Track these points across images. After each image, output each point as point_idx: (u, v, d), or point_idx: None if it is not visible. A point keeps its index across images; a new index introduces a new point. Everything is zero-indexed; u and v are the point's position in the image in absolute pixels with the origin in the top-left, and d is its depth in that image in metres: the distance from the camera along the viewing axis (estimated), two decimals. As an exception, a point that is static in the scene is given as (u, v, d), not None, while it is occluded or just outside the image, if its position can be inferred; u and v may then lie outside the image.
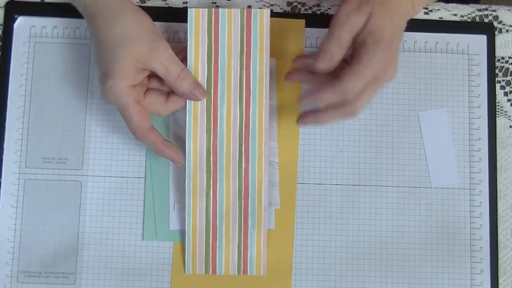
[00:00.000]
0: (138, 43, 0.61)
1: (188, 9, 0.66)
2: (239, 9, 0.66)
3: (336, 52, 0.61)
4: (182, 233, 0.68)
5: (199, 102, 0.66)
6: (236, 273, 0.67)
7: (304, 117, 0.64)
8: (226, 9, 0.66)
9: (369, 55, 0.59)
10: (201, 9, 0.66)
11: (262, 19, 0.66)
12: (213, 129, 0.67)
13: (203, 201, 0.67)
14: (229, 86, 0.67)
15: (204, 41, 0.66)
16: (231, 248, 0.66)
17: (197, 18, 0.66)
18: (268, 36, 0.67)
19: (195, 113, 0.67)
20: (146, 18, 0.63)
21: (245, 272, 0.66)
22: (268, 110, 0.67)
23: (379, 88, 0.62)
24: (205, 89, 0.66)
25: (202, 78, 0.66)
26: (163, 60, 0.62)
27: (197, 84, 0.65)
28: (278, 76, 0.70)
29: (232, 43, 0.66)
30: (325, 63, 0.61)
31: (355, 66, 0.60)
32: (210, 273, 0.67)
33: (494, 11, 0.73)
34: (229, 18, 0.66)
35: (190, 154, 0.67)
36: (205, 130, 0.67)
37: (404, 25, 0.63)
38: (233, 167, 0.67)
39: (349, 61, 0.62)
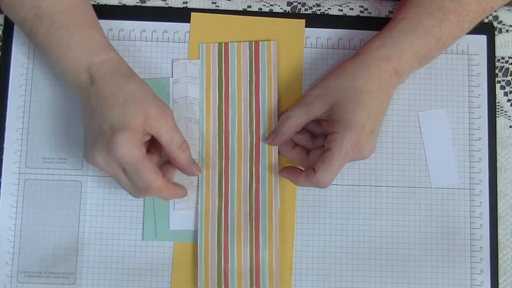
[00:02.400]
0: (150, 104, 0.61)
1: (200, 44, 0.70)
2: (248, 42, 0.70)
3: (282, 130, 0.65)
4: (182, 233, 0.68)
5: (211, 127, 0.69)
6: None
7: (282, 171, 0.67)
8: (236, 43, 0.70)
9: (337, 144, 0.61)
10: (211, 43, 0.70)
11: (269, 49, 0.70)
12: (225, 154, 0.68)
13: (214, 224, 0.67)
14: (239, 113, 0.69)
15: (215, 72, 0.70)
16: (243, 266, 0.67)
17: (208, 51, 0.70)
18: (275, 65, 0.70)
19: (207, 139, 0.68)
20: (149, 87, 0.63)
21: (257, 287, 0.67)
22: None
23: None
24: (217, 116, 0.69)
25: (213, 106, 0.69)
26: (169, 126, 0.62)
27: (193, 160, 0.65)
28: (277, 76, 0.70)
29: (241, 74, 0.70)
30: (271, 139, 0.66)
31: (326, 156, 0.62)
32: None
33: (494, 11, 0.73)
34: (238, 51, 0.70)
35: (203, 178, 0.68)
36: (217, 154, 0.68)
37: (389, 97, 0.64)
38: (244, 189, 0.68)
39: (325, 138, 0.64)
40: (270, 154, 0.68)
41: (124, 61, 0.64)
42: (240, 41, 0.70)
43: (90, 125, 0.61)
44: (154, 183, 0.60)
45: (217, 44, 0.70)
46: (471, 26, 0.66)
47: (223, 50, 0.70)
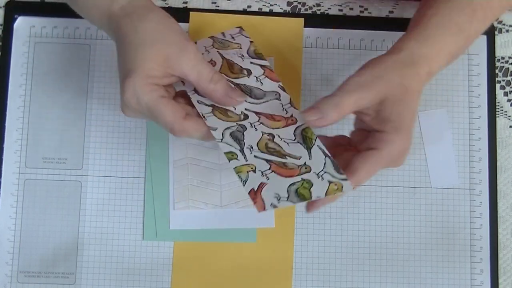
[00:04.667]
0: (166, 44, 0.57)
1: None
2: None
3: (329, 114, 0.56)
4: (182, 233, 0.68)
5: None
6: None
7: (311, 206, 0.59)
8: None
9: (388, 144, 0.56)
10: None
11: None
12: None
13: None
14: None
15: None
16: None
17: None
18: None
19: None
20: (172, 21, 0.59)
21: None
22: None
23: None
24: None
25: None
26: (193, 62, 0.57)
27: (232, 87, 0.60)
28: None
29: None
30: (314, 119, 0.57)
31: (372, 156, 0.57)
32: None
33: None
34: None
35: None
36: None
37: (417, 107, 0.59)
38: None
39: (358, 144, 0.59)
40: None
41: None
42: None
43: (118, 69, 0.59)
44: (174, 126, 0.57)
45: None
46: (489, 25, 0.63)
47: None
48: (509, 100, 0.72)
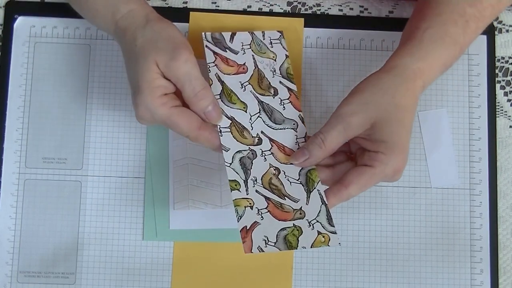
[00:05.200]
0: (158, 52, 0.58)
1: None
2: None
3: (315, 153, 0.59)
4: (182, 232, 0.68)
5: None
6: None
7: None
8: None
9: (382, 164, 0.57)
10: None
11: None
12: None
13: None
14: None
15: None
16: None
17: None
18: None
19: None
20: (170, 28, 0.60)
21: None
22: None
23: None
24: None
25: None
26: (182, 72, 0.58)
27: (215, 106, 0.60)
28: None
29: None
30: (301, 160, 0.59)
31: (365, 172, 0.57)
32: None
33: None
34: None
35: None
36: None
37: (413, 121, 0.60)
38: None
39: (355, 156, 0.60)
40: None
41: (144, 8, 0.61)
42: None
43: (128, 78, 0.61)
44: (189, 135, 0.59)
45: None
46: (480, 33, 0.64)
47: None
48: (509, 100, 0.72)
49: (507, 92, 0.72)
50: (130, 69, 0.59)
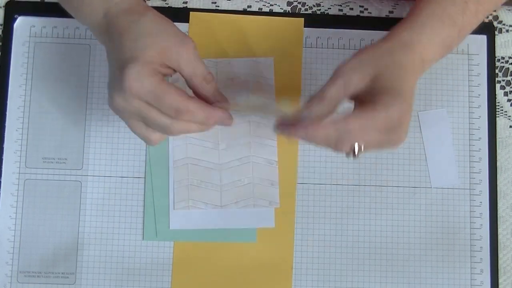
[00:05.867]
0: (167, 35, 0.56)
1: None
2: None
3: (316, 108, 0.56)
4: (182, 232, 0.68)
5: None
6: None
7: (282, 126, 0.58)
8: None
9: (387, 105, 0.54)
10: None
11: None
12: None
13: None
14: None
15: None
16: None
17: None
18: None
19: None
20: (169, 20, 0.59)
21: None
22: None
23: (382, 148, 0.57)
24: None
25: None
26: (190, 58, 0.57)
27: (220, 93, 0.60)
28: (276, 75, 0.71)
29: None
30: (304, 126, 0.55)
31: (367, 107, 0.54)
32: None
33: (494, 11, 0.73)
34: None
35: None
36: None
37: (415, 87, 0.58)
38: None
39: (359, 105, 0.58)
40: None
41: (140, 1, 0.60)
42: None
43: (109, 68, 0.58)
44: (182, 103, 0.55)
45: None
46: (482, 19, 0.63)
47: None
48: (509, 100, 0.72)
49: (507, 92, 0.72)
50: (122, 48, 0.56)
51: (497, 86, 0.72)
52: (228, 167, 0.69)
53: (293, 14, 0.73)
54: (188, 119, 0.56)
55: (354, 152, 0.55)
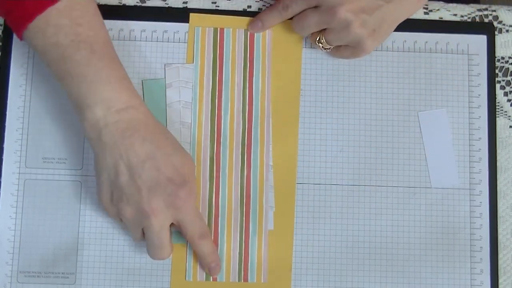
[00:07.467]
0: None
1: (195, 28, 0.70)
2: (243, 29, 0.70)
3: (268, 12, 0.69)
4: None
5: (203, 111, 0.69)
6: (237, 280, 0.67)
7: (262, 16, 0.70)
8: (231, 29, 0.70)
9: None
10: (207, 27, 0.70)
11: (264, 39, 0.70)
12: (216, 138, 0.68)
13: (205, 208, 0.67)
14: (232, 98, 0.69)
15: (210, 55, 0.70)
16: (232, 255, 0.67)
17: (203, 35, 0.70)
18: (270, 54, 0.70)
19: (199, 121, 0.68)
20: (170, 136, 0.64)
21: (245, 279, 0.67)
22: (270, 121, 0.69)
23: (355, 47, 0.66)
24: (210, 100, 0.69)
25: (207, 90, 0.69)
26: (191, 213, 0.63)
27: (215, 250, 0.66)
28: (276, 75, 0.70)
29: (236, 59, 0.70)
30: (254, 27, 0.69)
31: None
32: (211, 280, 0.67)
33: (494, 11, 0.73)
34: (233, 36, 0.70)
35: (194, 161, 0.68)
36: (209, 138, 0.68)
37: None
38: (236, 174, 0.68)
39: None
40: (262, 141, 0.69)
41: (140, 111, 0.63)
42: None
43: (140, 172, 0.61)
44: (166, 255, 0.65)
45: (212, 28, 0.70)
46: None
47: (218, 34, 0.70)
48: (509, 100, 0.72)
49: (507, 92, 0.72)
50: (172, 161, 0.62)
51: (497, 86, 0.72)
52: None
53: (293, 14, 0.73)
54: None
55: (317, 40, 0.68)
